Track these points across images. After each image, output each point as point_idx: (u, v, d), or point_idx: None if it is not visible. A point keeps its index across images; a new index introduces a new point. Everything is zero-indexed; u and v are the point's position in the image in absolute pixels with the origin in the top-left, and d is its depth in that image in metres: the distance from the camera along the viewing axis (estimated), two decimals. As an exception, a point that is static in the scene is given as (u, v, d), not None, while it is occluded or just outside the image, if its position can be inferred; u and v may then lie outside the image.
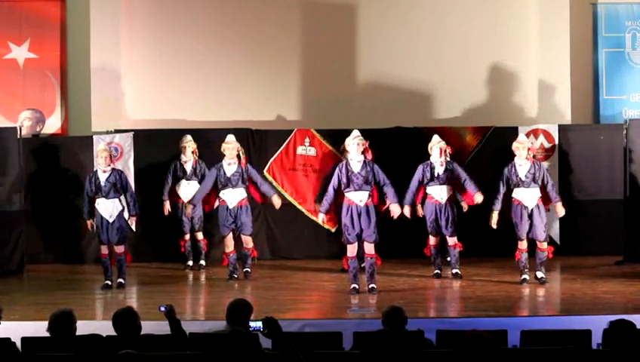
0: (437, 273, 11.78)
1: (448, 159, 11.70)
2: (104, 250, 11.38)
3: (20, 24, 14.41)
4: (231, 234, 11.77)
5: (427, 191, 11.70)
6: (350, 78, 14.63)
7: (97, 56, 14.17)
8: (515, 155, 11.22)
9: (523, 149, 11.16)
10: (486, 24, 14.52)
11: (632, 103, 14.35)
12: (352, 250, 10.79)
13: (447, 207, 11.62)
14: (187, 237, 12.87)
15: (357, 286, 10.71)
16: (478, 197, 11.46)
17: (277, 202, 11.80)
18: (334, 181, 10.82)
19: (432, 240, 11.78)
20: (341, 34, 14.66)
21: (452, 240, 11.72)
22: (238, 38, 14.56)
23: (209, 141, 12.90)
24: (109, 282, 11.25)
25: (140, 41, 14.55)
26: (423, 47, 14.51)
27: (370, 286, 10.67)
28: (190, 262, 12.82)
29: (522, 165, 11.13)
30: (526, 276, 11.10)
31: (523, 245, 11.16)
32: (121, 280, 11.25)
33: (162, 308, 6.93)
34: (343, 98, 14.37)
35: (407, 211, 11.40)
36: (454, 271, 11.73)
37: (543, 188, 11.18)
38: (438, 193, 11.64)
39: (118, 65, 14.31)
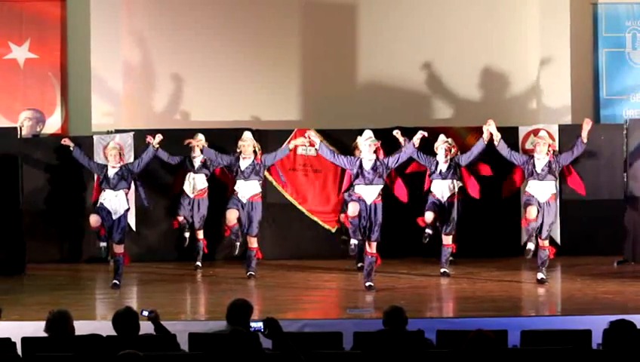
0: (428, 234, 11.63)
1: (456, 158, 11.79)
2: (95, 222, 11.13)
3: (20, 24, 14.41)
4: (236, 211, 11.63)
5: (431, 187, 11.78)
6: (350, 78, 14.63)
7: (97, 56, 14.16)
8: (535, 150, 11.29)
9: (544, 145, 11.26)
10: (486, 24, 14.52)
11: (632, 103, 14.36)
12: (353, 209, 10.72)
13: (447, 206, 11.67)
14: (181, 219, 12.74)
15: (357, 242, 10.75)
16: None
17: (294, 142, 11.86)
18: (344, 158, 11.02)
19: (427, 215, 11.64)
20: (341, 34, 14.66)
21: (447, 239, 11.74)
22: (239, 38, 14.56)
23: (209, 141, 12.90)
24: (104, 244, 11.24)
25: (141, 41, 14.55)
26: (423, 47, 14.51)
27: (368, 284, 10.70)
28: (187, 234, 12.74)
29: (540, 159, 11.19)
30: (531, 245, 11.02)
31: (532, 213, 11.00)
32: (116, 281, 11.20)
33: (145, 313, 6.91)
34: (343, 98, 14.36)
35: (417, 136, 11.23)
36: (442, 270, 11.75)
37: (563, 173, 11.47)
38: (440, 189, 11.69)
39: (118, 65, 14.31)
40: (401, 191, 11.79)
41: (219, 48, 14.55)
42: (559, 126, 13.49)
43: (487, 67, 14.57)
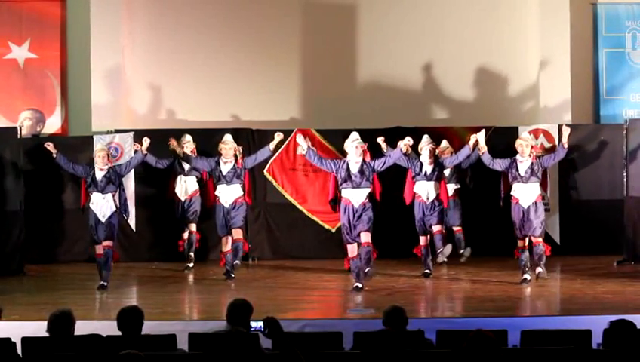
0: (426, 272, 11.81)
1: (440, 159, 11.80)
2: (98, 249, 11.32)
3: (20, 24, 14.42)
4: (229, 237, 11.76)
5: (415, 189, 11.77)
6: (350, 78, 14.64)
7: (97, 56, 14.16)
8: (517, 152, 11.28)
9: (526, 147, 11.23)
10: (486, 24, 14.53)
11: (632, 103, 14.37)
12: (352, 249, 10.87)
13: (433, 204, 11.69)
14: (185, 236, 12.87)
15: (360, 285, 10.74)
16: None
17: (276, 140, 11.79)
18: (331, 163, 11.01)
19: (421, 240, 11.84)
20: (341, 34, 14.67)
21: (437, 228, 11.80)
22: (239, 38, 14.57)
23: (209, 141, 12.90)
24: (104, 283, 11.24)
25: (141, 41, 14.55)
26: (423, 47, 14.52)
27: (366, 269, 10.73)
28: (190, 264, 12.81)
29: (523, 162, 11.18)
30: (527, 276, 11.10)
31: (521, 243, 11.17)
32: (103, 282, 11.14)
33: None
34: (343, 98, 14.37)
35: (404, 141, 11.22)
36: (425, 270, 11.81)
37: (544, 174, 11.39)
38: (425, 190, 11.71)
39: (118, 64, 14.31)
40: (375, 189, 11.61)
41: (219, 48, 14.56)
42: (559, 125, 13.48)
43: (487, 67, 14.57)
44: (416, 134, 13.19)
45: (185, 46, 14.55)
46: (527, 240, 11.15)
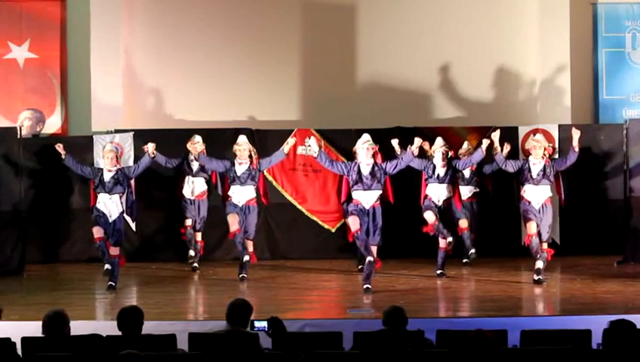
0: (450, 241, 11.55)
1: (453, 162, 11.75)
2: (98, 232, 11.21)
3: (20, 24, 14.42)
4: (236, 215, 11.49)
5: (426, 191, 11.73)
6: (350, 78, 14.64)
7: (97, 56, 14.16)
8: (530, 154, 11.27)
9: (539, 148, 11.23)
10: (486, 24, 14.53)
11: (632, 103, 14.37)
12: (354, 221, 10.67)
13: (443, 210, 11.64)
14: (189, 223, 12.75)
15: (372, 259, 10.66)
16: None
17: (289, 143, 11.78)
18: (342, 165, 10.96)
19: (429, 216, 11.56)
20: (341, 34, 14.67)
21: (443, 243, 11.69)
22: (239, 38, 14.57)
23: (209, 141, 12.90)
24: (109, 266, 11.19)
25: (141, 41, 14.56)
26: (423, 47, 14.52)
27: (365, 286, 10.67)
28: (192, 252, 12.75)
29: (536, 164, 11.18)
30: (540, 263, 10.98)
31: (532, 228, 11.06)
32: (111, 283, 11.15)
33: None
34: (343, 98, 14.37)
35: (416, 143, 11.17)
36: (438, 271, 11.72)
37: (557, 178, 11.31)
38: (436, 193, 11.65)
39: (118, 65, 14.31)
40: (387, 191, 11.58)
41: (220, 48, 14.57)
42: (559, 126, 13.49)
43: (486, 67, 14.57)
44: (416, 134, 13.21)
45: (185, 46, 14.56)
46: (535, 224, 11.06)
